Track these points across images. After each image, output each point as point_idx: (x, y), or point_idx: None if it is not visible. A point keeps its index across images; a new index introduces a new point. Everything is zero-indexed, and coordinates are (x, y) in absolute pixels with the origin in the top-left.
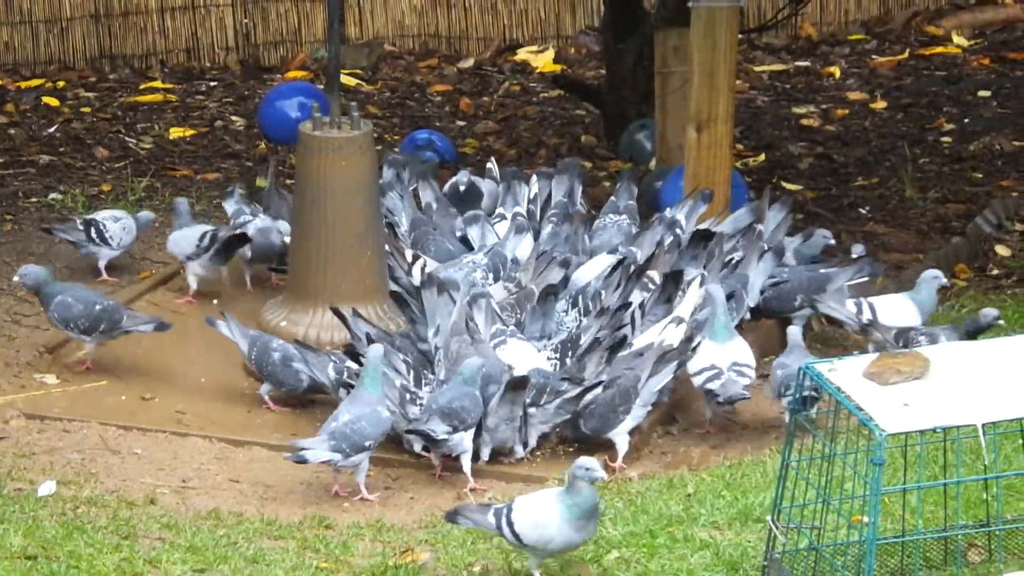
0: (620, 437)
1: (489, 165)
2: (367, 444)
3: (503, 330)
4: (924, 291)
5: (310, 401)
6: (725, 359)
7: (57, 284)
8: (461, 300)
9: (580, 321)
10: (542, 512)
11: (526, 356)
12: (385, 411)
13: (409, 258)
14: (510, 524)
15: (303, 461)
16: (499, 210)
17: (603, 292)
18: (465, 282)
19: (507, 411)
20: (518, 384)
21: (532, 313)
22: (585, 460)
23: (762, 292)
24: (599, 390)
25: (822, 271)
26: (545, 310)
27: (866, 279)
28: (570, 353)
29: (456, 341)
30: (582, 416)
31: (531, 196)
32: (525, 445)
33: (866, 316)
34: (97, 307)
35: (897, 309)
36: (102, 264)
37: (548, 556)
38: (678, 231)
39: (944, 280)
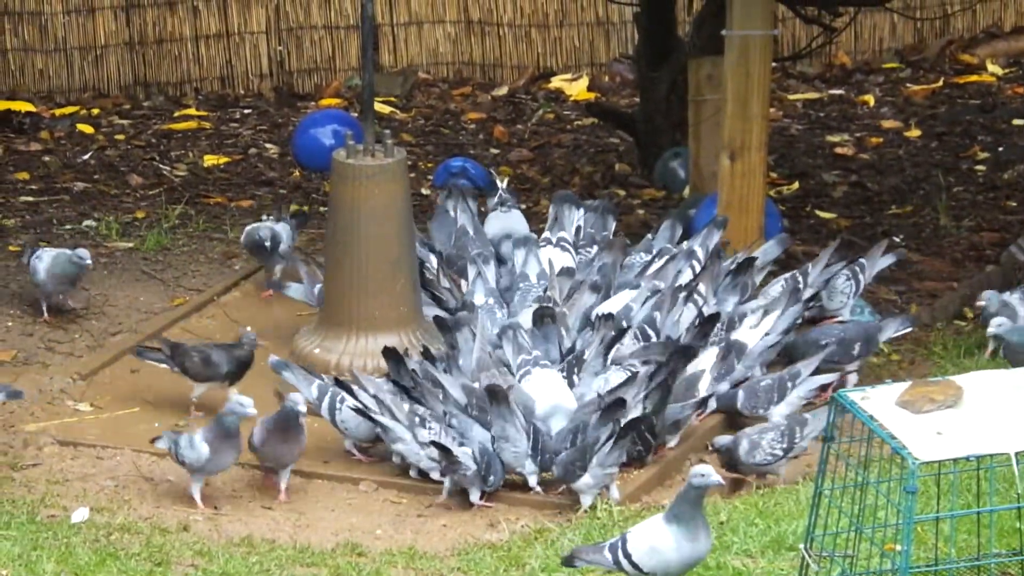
0: (588, 495)
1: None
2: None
3: (527, 359)
4: None
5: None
6: None
7: None
8: (480, 335)
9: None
10: (655, 536)
11: (550, 386)
12: None
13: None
14: (627, 555)
15: None
16: (546, 234)
17: (657, 316)
18: (484, 315)
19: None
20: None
21: (532, 335)
22: (701, 467)
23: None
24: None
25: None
26: (545, 333)
27: (908, 329)
28: (576, 370)
29: (485, 377)
30: (555, 463)
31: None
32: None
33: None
34: None
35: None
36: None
37: None
38: (695, 262)
39: None
